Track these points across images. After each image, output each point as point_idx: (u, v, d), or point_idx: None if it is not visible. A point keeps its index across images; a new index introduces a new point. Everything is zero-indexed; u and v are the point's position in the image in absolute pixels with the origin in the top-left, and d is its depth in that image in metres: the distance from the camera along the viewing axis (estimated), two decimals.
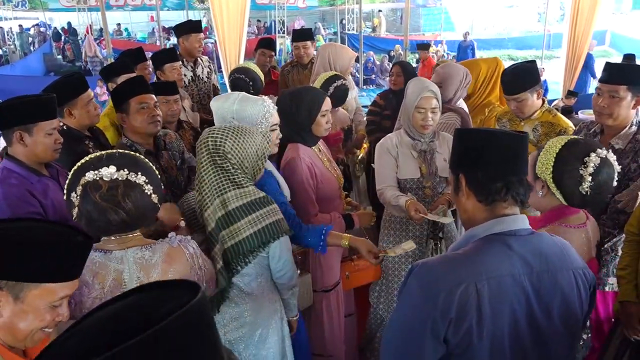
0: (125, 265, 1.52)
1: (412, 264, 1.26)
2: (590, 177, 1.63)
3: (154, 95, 2.59)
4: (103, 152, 1.50)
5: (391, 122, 3.57)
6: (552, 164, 1.67)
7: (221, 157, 1.89)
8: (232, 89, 3.46)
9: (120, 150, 1.53)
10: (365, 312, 3.02)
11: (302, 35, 4.46)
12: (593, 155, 1.64)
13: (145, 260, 1.54)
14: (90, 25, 18.06)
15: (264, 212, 1.89)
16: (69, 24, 18.69)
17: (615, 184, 1.71)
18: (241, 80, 3.46)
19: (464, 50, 14.00)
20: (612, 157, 1.68)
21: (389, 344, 1.28)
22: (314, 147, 2.49)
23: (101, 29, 14.68)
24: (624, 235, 2.23)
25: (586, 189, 1.64)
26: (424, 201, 2.67)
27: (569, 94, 7.34)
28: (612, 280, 2.41)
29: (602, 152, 1.66)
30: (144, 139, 2.51)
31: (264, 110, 2.13)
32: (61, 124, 2.62)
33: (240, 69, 3.59)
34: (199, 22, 4.52)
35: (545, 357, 1.29)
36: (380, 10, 20.96)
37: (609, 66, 2.31)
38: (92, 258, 1.50)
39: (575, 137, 1.73)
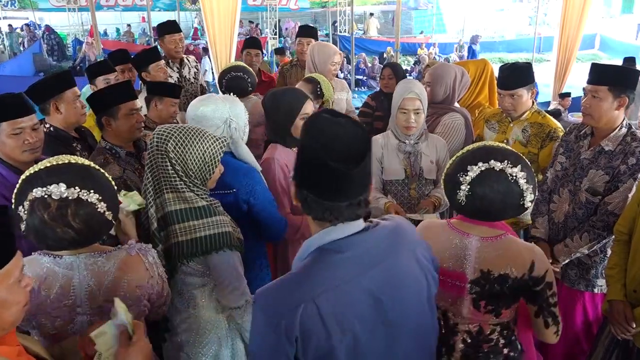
0: (75, 271, 1.44)
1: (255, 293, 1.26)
2: (469, 187, 1.55)
3: (138, 101, 2.54)
4: (54, 163, 1.39)
5: (383, 123, 3.56)
6: (449, 166, 1.65)
7: (163, 157, 1.80)
8: (229, 89, 3.21)
9: (73, 161, 1.42)
10: None
11: (307, 32, 4.41)
12: (480, 164, 1.54)
13: (97, 267, 1.46)
14: (93, 26, 18.04)
15: (201, 222, 1.80)
16: (47, 26, 18.66)
17: (514, 201, 1.55)
18: (241, 80, 3.32)
19: (473, 52, 13.92)
20: (516, 174, 1.52)
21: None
22: (294, 148, 2.46)
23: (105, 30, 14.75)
24: (613, 236, 2.23)
25: (461, 197, 1.57)
26: (409, 203, 2.66)
27: (562, 95, 7.42)
28: (601, 282, 2.42)
29: (497, 164, 1.52)
30: (124, 142, 2.43)
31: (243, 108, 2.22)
32: (47, 125, 2.58)
33: (238, 68, 3.40)
34: (173, 22, 4.40)
35: (409, 346, 1.31)
36: (372, 14, 20.97)
37: (593, 67, 2.32)
38: (40, 263, 1.44)
39: (491, 144, 1.62)
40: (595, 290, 2.45)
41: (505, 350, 1.67)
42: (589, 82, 2.30)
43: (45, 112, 2.59)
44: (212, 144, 1.84)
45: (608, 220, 2.26)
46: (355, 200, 1.21)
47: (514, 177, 1.52)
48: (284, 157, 2.40)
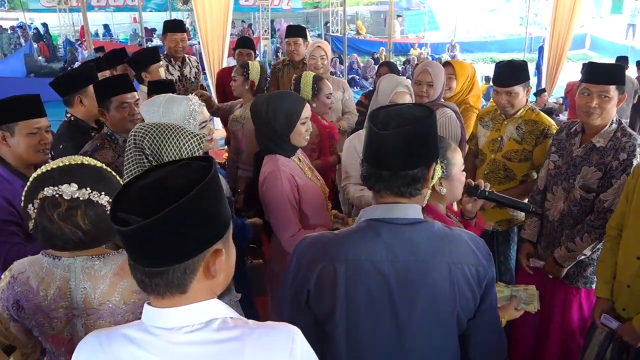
0: (72, 273, 1.42)
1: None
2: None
3: (135, 94, 2.60)
4: (66, 163, 1.39)
5: None
6: None
7: (139, 155, 1.82)
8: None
9: (86, 162, 1.42)
10: None
11: (294, 31, 4.33)
12: None
13: (94, 271, 1.43)
14: (84, 26, 18.05)
15: None
16: (45, 24, 18.61)
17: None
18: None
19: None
20: None
21: (279, 300, 1.47)
22: (293, 157, 2.27)
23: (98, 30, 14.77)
24: None
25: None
26: None
27: (539, 92, 7.40)
28: None
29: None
30: (119, 132, 2.50)
31: (190, 109, 2.12)
32: (69, 114, 2.76)
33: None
34: (176, 21, 4.42)
35: (407, 345, 1.32)
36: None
37: (595, 66, 2.29)
38: (40, 263, 1.43)
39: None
40: (593, 286, 2.46)
41: None
42: (595, 81, 2.24)
43: (69, 103, 2.75)
44: (189, 140, 1.85)
45: (606, 218, 2.25)
46: (401, 172, 1.28)
47: None
48: (288, 168, 2.20)
